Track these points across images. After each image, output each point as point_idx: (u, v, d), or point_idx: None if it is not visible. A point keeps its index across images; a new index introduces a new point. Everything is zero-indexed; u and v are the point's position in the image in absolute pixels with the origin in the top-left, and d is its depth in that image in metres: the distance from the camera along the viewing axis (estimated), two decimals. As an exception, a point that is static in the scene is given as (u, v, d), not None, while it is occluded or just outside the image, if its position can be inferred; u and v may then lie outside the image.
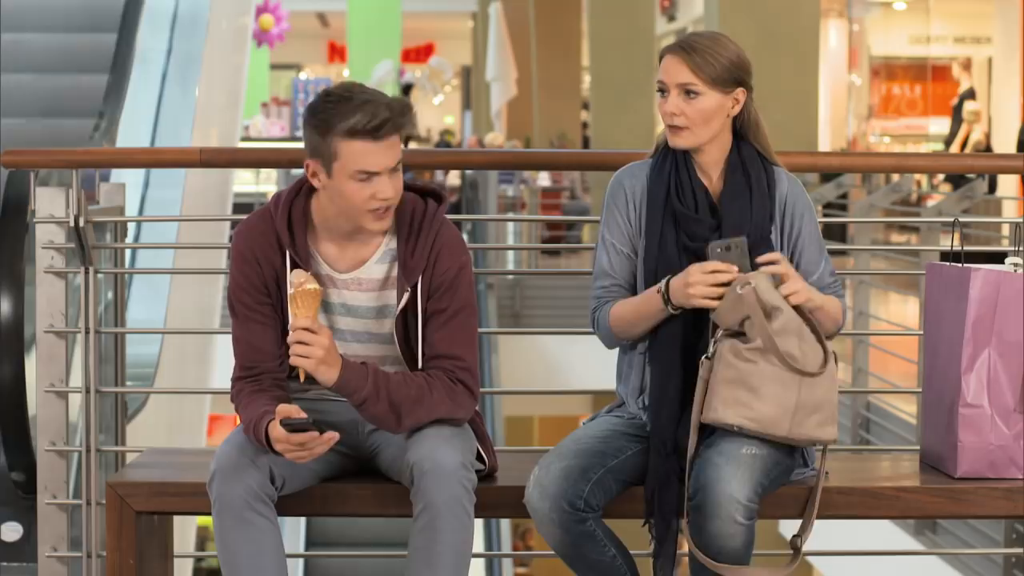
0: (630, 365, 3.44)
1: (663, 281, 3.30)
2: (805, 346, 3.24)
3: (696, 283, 3.23)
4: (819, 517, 3.32)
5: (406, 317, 3.30)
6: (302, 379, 3.19)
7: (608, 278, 3.43)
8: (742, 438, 3.21)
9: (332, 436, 3.14)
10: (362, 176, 3.20)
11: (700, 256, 3.32)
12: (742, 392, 3.22)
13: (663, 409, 3.32)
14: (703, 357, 3.26)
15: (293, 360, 3.16)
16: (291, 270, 3.28)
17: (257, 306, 3.31)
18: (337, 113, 3.17)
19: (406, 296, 3.28)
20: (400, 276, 3.29)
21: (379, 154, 3.19)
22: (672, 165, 3.39)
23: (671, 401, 3.32)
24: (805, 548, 3.27)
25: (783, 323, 3.22)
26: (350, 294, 3.33)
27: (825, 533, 3.31)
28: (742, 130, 3.41)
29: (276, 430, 3.14)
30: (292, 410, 3.16)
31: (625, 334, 3.38)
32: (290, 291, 3.19)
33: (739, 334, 3.24)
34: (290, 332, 3.18)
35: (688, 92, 3.32)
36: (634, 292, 3.41)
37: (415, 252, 3.29)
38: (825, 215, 11.04)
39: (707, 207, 3.37)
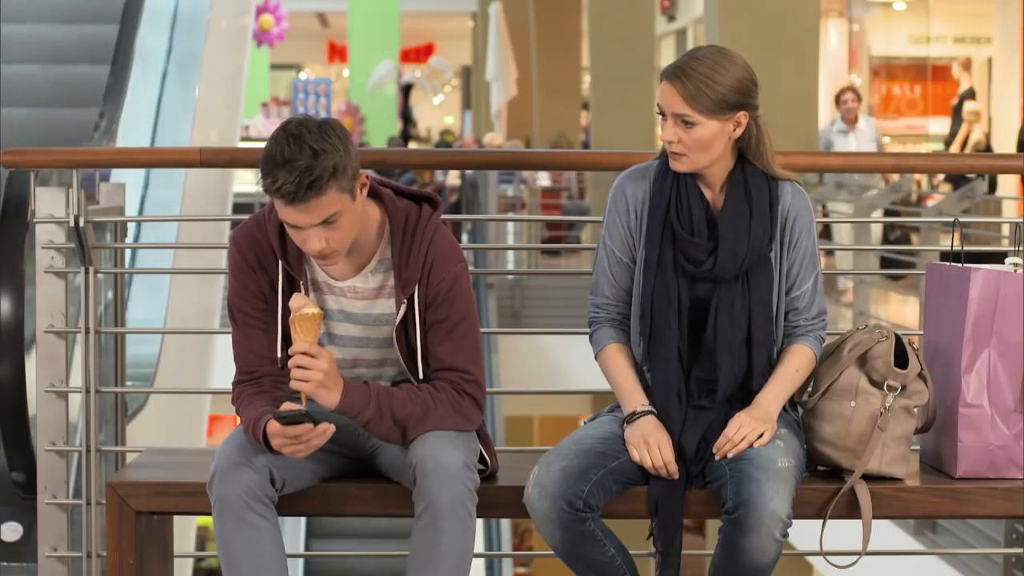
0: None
1: (637, 412, 3.31)
2: None
3: (645, 459, 3.25)
4: (818, 517, 3.32)
5: (406, 323, 3.30)
6: (303, 402, 3.18)
7: (608, 289, 3.42)
8: (773, 448, 3.22)
9: (327, 428, 3.14)
10: (289, 225, 3.19)
11: (696, 278, 3.32)
12: (905, 447, 3.39)
13: (666, 422, 3.31)
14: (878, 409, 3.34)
15: (292, 384, 3.16)
16: (283, 277, 3.28)
17: (255, 312, 3.31)
18: (261, 165, 3.14)
19: (403, 308, 3.28)
20: (396, 287, 3.28)
21: (295, 214, 3.14)
22: (674, 176, 3.36)
23: (672, 416, 3.31)
24: (804, 548, 3.28)
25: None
26: (347, 301, 3.32)
27: (825, 533, 3.31)
28: (743, 150, 3.35)
29: (271, 425, 3.14)
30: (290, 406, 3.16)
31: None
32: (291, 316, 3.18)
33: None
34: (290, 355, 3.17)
35: (684, 122, 3.27)
36: (630, 304, 3.40)
37: (409, 262, 3.27)
38: (823, 215, 11.05)
39: (705, 225, 3.33)
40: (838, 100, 12.08)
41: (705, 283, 3.33)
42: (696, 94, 3.24)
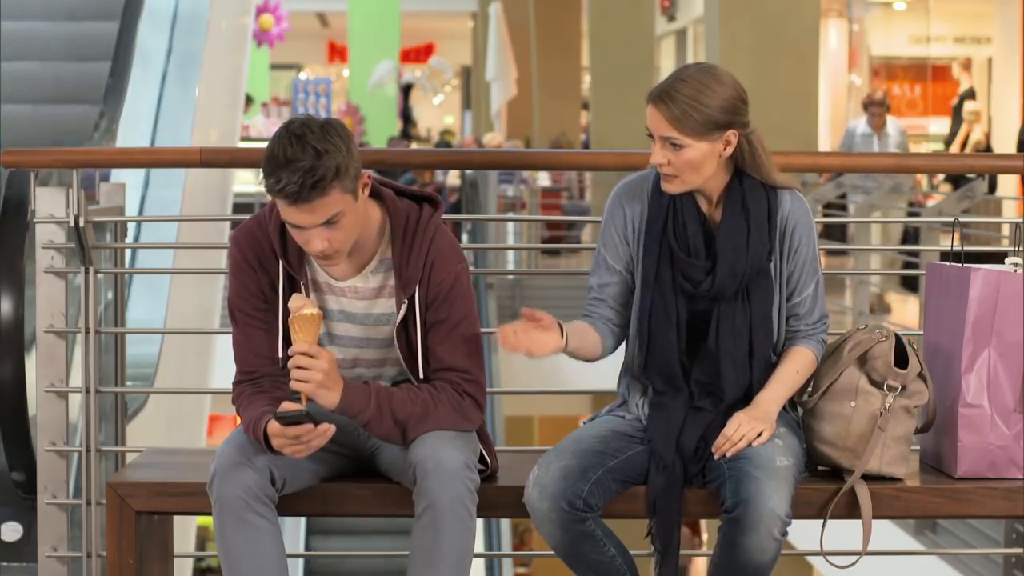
0: (630, 373, 3.43)
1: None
2: None
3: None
4: (818, 517, 3.32)
5: (407, 323, 3.30)
6: (303, 402, 3.18)
7: (597, 292, 3.43)
8: (771, 447, 3.22)
9: (327, 428, 3.14)
10: (291, 225, 3.18)
11: (694, 296, 3.31)
12: (905, 447, 3.39)
13: (664, 426, 3.31)
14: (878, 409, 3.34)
15: (292, 384, 3.16)
16: (283, 277, 3.28)
17: (256, 312, 3.31)
18: (264, 165, 3.13)
19: (404, 307, 3.28)
20: (397, 287, 3.28)
21: (298, 214, 3.13)
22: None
23: (671, 415, 3.31)
24: (804, 548, 3.28)
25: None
26: (348, 301, 3.32)
27: (825, 533, 3.31)
28: (739, 164, 3.33)
29: (272, 425, 3.14)
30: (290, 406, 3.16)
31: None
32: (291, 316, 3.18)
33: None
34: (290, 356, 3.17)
35: (673, 144, 3.25)
36: (620, 307, 3.40)
37: (410, 262, 3.27)
38: (825, 215, 11.04)
39: (702, 241, 3.32)
40: (866, 107, 12.14)
41: (704, 299, 3.33)
42: (682, 117, 3.22)
